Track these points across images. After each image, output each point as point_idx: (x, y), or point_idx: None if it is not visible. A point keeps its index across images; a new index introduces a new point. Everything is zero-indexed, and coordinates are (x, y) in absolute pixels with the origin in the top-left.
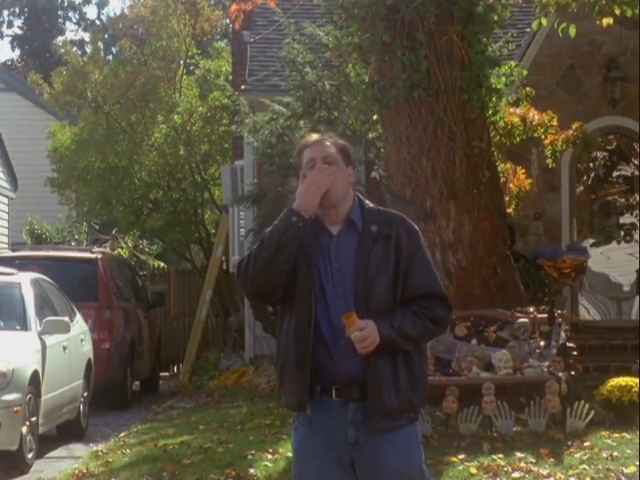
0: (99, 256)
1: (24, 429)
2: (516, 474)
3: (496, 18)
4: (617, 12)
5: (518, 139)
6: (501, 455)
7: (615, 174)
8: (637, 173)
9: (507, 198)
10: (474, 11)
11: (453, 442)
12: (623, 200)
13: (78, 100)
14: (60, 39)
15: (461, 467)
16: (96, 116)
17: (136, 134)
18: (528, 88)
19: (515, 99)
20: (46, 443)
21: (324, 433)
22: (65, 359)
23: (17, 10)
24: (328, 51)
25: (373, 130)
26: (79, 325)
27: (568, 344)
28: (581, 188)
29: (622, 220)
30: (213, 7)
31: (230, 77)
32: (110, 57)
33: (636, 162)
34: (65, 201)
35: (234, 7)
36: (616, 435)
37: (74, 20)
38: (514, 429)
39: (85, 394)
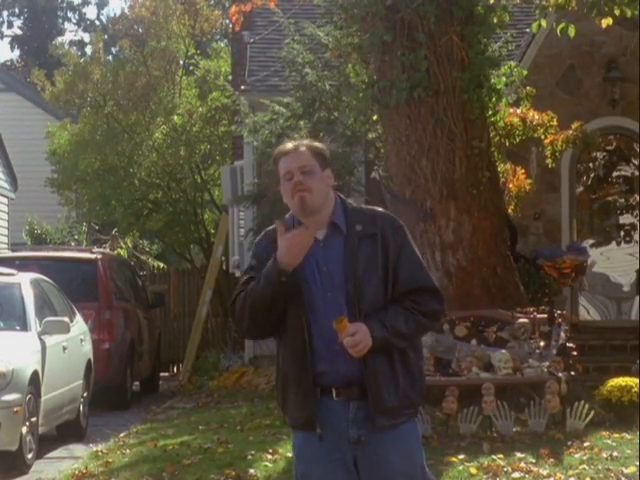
0: (99, 256)
1: (24, 429)
2: (516, 474)
3: (496, 20)
4: (616, 13)
5: (518, 139)
6: (501, 455)
7: (615, 174)
8: (637, 173)
9: (507, 198)
10: (474, 11)
11: (453, 442)
12: (623, 200)
13: (78, 100)
14: (58, 40)
15: (461, 467)
16: (96, 116)
17: (136, 134)
18: (529, 88)
19: (515, 99)
20: (46, 443)
21: (325, 434)
22: (65, 359)
23: (17, 10)
24: (328, 51)
25: (373, 130)
26: (79, 325)
27: (568, 344)
28: (581, 188)
29: (622, 220)
30: (212, 7)
31: (230, 77)
32: (110, 57)
33: (636, 162)
34: (65, 201)
35: (234, 9)
36: (616, 435)
37: (74, 20)
38: (514, 429)
39: (85, 394)
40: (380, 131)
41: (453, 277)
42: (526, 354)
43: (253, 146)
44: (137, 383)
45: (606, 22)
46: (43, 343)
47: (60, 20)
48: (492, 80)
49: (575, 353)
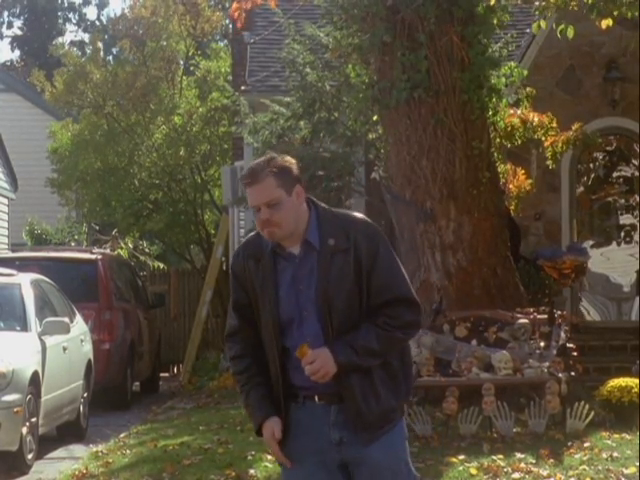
0: (99, 257)
1: (24, 430)
2: (516, 475)
3: (496, 21)
4: (615, 13)
5: (519, 141)
6: (501, 456)
7: (615, 175)
8: (637, 174)
9: (507, 199)
10: (474, 12)
11: (453, 443)
12: (623, 201)
13: (78, 100)
14: (59, 41)
15: (461, 468)
16: (96, 117)
17: (136, 135)
18: (529, 88)
19: (515, 100)
20: (46, 444)
21: (308, 437)
22: (65, 360)
23: (17, 11)
24: (328, 52)
25: (373, 131)
26: (79, 326)
27: (568, 345)
28: (581, 189)
29: (622, 221)
30: (213, 8)
31: (230, 78)
32: (110, 58)
33: (636, 163)
34: (65, 202)
35: (235, 5)
36: (616, 436)
37: (74, 21)
38: (514, 430)
39: (85, 395)
40: (380, 131)
41: (453, 277)
42: (526, 355)
43: (253, 147)
44: (137, 383)
45: (606, 23)
46: (43, 343)
47: (60, 21)
48: (492, 81)
49: (575, 354)
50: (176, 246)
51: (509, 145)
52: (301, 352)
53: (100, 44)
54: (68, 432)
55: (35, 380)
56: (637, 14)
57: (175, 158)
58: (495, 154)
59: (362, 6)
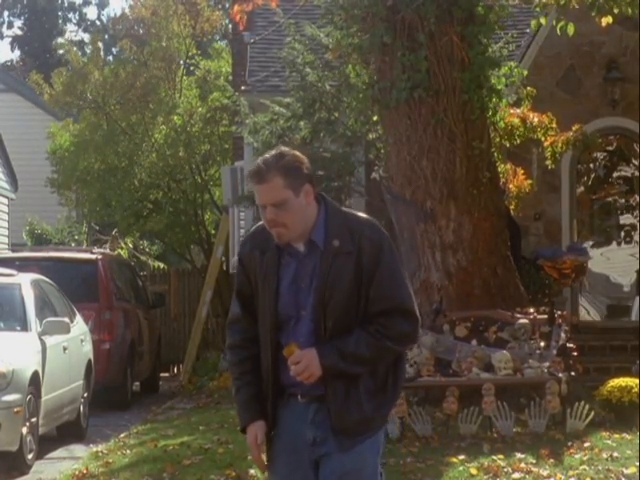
0: (99, 257)
1: (24, 430)
2: (516, 475)
3: (496, 19)
4: (616, 11)
5: (518, 140)
6: (501, 456)
7: (615, 175)
8: (637, 174)
9: (507, 199)
10: (474, 12)
11: (453, 443)
12: (623, 201)
13: (78, 101)
14: (61, 40)
15: (461, 468)
16: (96, 117)
17: (136, 135)
18: (529, 88)
19: (515, 99)
20: (46, 444)
21: (288, 435)
22: (65, 360)
23: (17, 11)
24: (328, 52)
25: (373, 131)
26: (79, 326)
27: (568, 345)
28: (581, 189)
29: (622, 221)
30: (213, 8)
31: (230, 78)
32: (110, 58)
33: (636, 163)
34: (65, 202)
35: (237, 8)
36: (616, 436)
37: (74, 21)
38: (514, 430)
39: (85, 395)
40: (380, 131)
41: (453, 277)
42: (526, 354)
43: (253, 147)
44: (137, 383)
45: (606, 21)
46: (43, 343)
47: (60, 20)
48: (492, 80)
49: (575, 354)
50: (176, 246)
51: (509, 145)
52: (289, 351)
53: (100, 44)
54: (68, 432)
55: (35, 380)
56: (637, 11)
57: (175, 158)
58: (495, 154)
59: (362, 6)
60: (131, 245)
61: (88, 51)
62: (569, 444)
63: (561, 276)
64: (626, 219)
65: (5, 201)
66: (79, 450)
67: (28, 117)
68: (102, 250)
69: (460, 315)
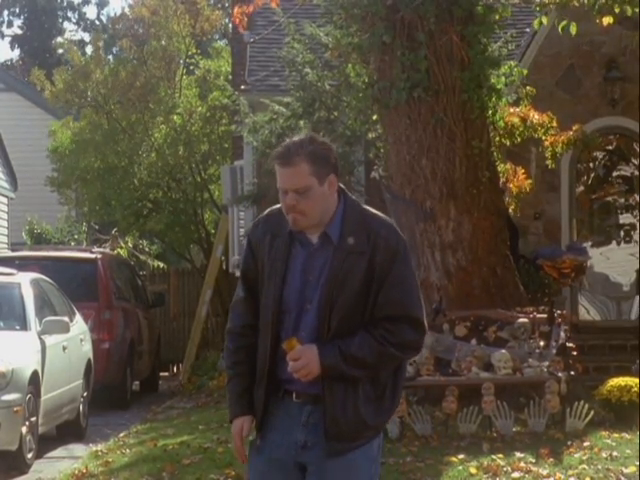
0: (99, 256)
1: (24, 429)
2: (516, 474)
3: (497, 17)
4: (617, 11)
5: (518, 139)
6: (501, 455)
7: (615, 174)
8: (637, 173)
9: (507, 198)
10: (474, 11)
11: (453, 442)
12: (623, 200)
13: (79, 99)
14: (61, 39)
15: (461, 467)
16: (96, 116)
17: (136, 134)
18: (528, 87)
19: (515, 99)
20: (46, 443)
21: (276, 432)
22: (65, 359)
23: (17, 10)
24: (328, 51)
25: (373, 130)
26: (79, 325)
27: (568, 344)
28: (581, 188)
29: (622, 220)
30: (213, 7)
31: (230, 77)
32: (110, 57)
33: (636, 162)
34: (65, 201)
35: (237, 10)
36: (616, 435)
37: (73, 20)
38: (514, 429)
39: (85, 394)
40: (380, 131)
41: (453, 277)
42: (526, 354)
43: (253, 146)
44: (137, 383)
45: (607, 20)
46: (43, 343)
47: (60, 20)
48: (492, 80)
49: (575, 353)
50: (176, 245)
51: (509, 144)
52: (289, 345)
53: (100, 43)
54: (68, 431)
55: (35, 379)
56: (637, 11)
57: (175, 157)
58: (495, 153)
59: (362, 5)
60: (131, 244)
61: (88, 50)
62: (569, 443)
63: (561, 275)
64: (626, 218)
65: (5, 200)
66: (79, 449)
67: (28, 116)
68: (102, 249)
69: (460, 314)
